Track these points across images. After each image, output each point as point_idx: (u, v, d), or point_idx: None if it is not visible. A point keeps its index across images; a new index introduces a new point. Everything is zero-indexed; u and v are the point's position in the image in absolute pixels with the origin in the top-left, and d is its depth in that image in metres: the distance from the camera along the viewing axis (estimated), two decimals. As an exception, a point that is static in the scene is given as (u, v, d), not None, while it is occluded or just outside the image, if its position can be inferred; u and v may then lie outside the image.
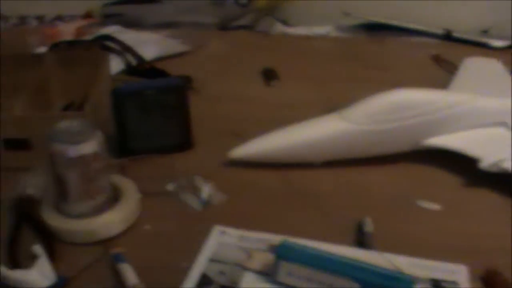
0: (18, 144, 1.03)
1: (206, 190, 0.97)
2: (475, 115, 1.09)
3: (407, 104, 1.04)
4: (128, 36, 1.55)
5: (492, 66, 1.45)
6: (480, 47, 1.69)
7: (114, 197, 0.92)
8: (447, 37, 1.74)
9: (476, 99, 1.10)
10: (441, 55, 1.57)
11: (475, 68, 1.41)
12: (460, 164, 1.05)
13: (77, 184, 0.87)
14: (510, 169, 0.99)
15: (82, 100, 1.13)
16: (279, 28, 1.77)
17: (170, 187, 1.00)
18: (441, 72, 1.46)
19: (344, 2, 1.75)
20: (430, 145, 1.07)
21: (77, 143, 0.84)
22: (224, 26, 1.76)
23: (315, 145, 1.03)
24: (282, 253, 0.77)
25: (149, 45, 1.52)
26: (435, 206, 0.98)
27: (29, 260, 0.80)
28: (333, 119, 1.04)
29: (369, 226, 0.90)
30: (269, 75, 1.40)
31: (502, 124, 1.12)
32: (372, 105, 1.03)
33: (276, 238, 0.83)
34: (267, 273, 0.79)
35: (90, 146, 0.85)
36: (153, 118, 1.09)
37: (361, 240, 0.88)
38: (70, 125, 0.88)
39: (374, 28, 1.77)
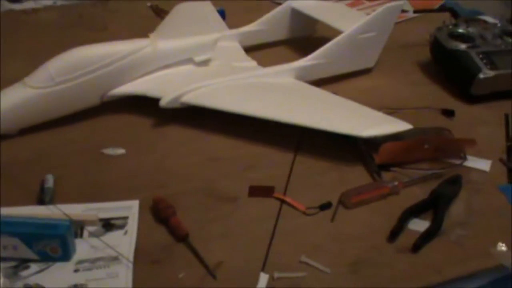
0: None
1: None
2: (157, 58, 1.16)
3: (85, 60, 1.08)
4: None
5: (201, 9, 1.53)
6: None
7: None
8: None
9: (155, 43, 1.16)
10: (159, 5, 1.63)
11: (183, 12, 1.48)
12: (152, 108, 1.12)
13: None
14: (185, 101, 1.08)
15: None
16: (6, 5, 1.74)
17: None
18: (160, 22, 1.52)
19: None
20: (116, 94, 1.13)
21: None
22: None
23: (5, 115, 1.04)
24: None
25: None
26: (120, 151, 1.04)
27: None
28: (16, 87, 1.06)
29: (49, 182, 0.95)
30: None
31: (187, 61, 1.20)
32: (51, 67, 1.06)
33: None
34: None
35: None
36: None
37: (42, 197, 0.92)
38: None
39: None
